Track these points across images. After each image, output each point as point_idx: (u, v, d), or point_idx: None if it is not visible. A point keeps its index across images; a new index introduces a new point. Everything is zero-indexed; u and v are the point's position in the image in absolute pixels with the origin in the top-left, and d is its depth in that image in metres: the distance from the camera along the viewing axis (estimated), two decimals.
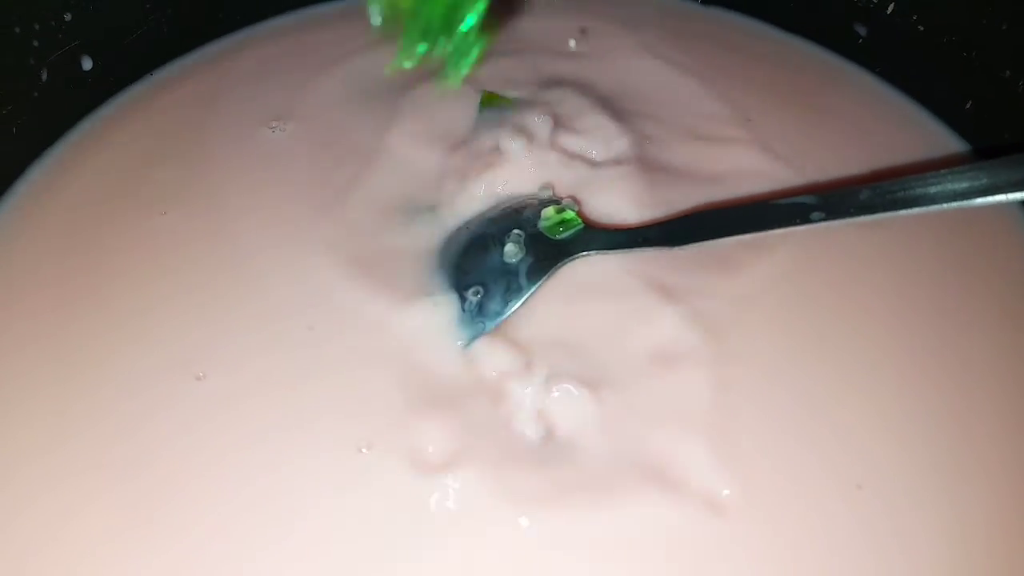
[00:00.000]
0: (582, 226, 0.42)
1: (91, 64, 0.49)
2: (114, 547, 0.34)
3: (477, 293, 0.40)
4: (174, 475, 0.35)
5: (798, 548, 0.34)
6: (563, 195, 0.44)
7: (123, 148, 0.49)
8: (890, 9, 0.51)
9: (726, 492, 0.35)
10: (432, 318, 0.40)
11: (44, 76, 0.47)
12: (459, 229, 0.43)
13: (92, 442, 0.36)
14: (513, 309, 0.40)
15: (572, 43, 0.55)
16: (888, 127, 0.50)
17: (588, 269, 0.41)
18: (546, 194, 0.44)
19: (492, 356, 0.38)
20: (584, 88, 0.50)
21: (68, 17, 0.47)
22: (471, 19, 0.37)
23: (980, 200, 0.33)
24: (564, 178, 0.45)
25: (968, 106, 0.49)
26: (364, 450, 0.36)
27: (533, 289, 0.40)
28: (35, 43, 0.46)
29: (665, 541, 0.34)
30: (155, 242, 0.44)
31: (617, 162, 0.46)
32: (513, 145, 0.44)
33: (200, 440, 0.36)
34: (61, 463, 0.36)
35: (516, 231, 0.41)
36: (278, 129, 0.49)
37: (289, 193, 0.46)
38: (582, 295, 0.40)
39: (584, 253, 0.41)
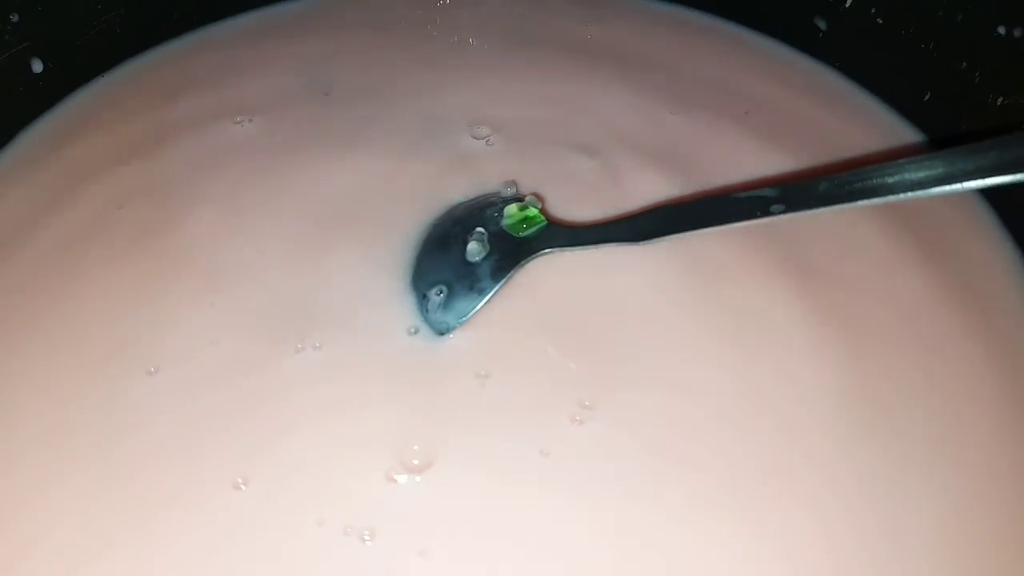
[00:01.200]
0: (545, 223, 0.41)
1: (41, 66, 0.48)
2: (110, 550, 0.33)
3: (440, 292, 0.40)
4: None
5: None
6: (526, 192, 0.43)
7: (79, 148, 0.48)
8: (849, 3, 0.52)
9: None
10: (395, 316, 0.39)
11: None
12: (424, 229, 0.43)
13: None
14: (477, 308, 0.39)
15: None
16: (847, 120, 0.50)
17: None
18: (509, 191, 0.43)
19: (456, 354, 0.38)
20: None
21: (15, 18, 0.46)
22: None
23: (937, 189, 0.33)
24: (527, 175, 0.45)
25: (927, 98, 0.49)
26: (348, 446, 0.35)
27: (497, 287, 0.40)
28: None
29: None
30: (110, 235, 0.43)
31: (580, 157, 0.46)
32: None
33: (155, 437, 0.36)
34: (45, 462, 0.35)
35: (479, 229, 0.41)
36: (243, 122, 0.48)
37: (250, 186, 0.45)
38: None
39: (548, 250, 0.41)
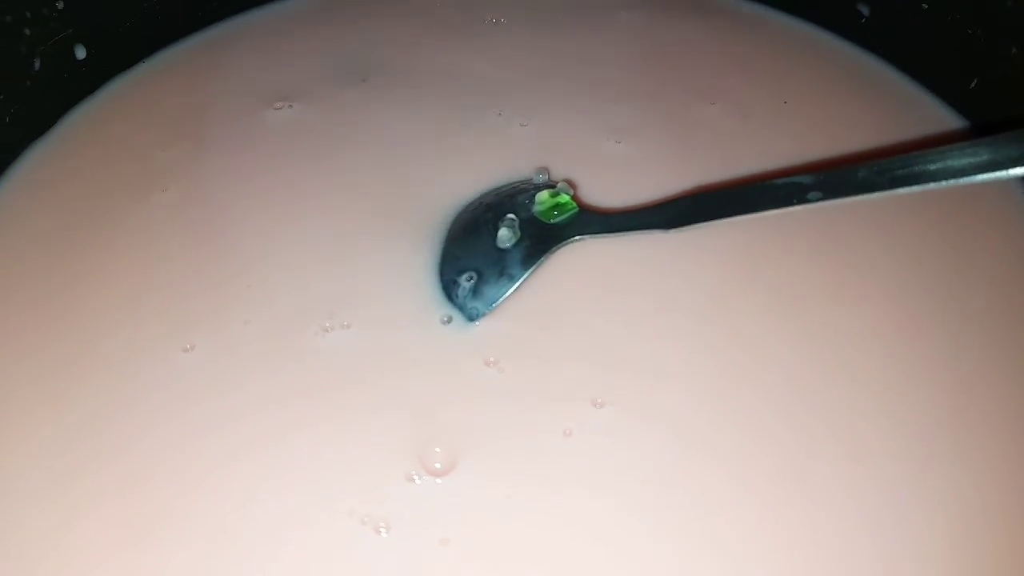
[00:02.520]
0: (577, 210, 0.41)
1: (85, 53, 0.49)
2: (117, 552, 0.33)
3: (471, 279, 0.39)
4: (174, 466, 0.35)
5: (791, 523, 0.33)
6: (558, 179, 0.43)
7: (122, 133, 0.48)
8: None
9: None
10: (425, 301, 0.39)
11: (37, 65, 0.47)
12: (456, 215, 0.43)
13: (86, 431, 0.36)
14: (507, 294, 0.39)
15: None
16: (890, 109, 0.49)
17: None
18: (541, 178, 0.43)
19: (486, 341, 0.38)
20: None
21: (60, 5, 0.47)
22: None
23: (980, 176, 0.32)
24: (560, 161, 0.44)
25: (973, 85, 0.48)
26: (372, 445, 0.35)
27: (527, 274, 0.40)
28: (27, 32, 0.45)
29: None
30: (153, 218, 0.43)
31: (615, 144, 0.46)
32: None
33: (189, 420, 0.36)
34: (60, 459, 0.35)
35: (510, 215, 0.41)
36: (284, 108, 0.49)
37: (288, 170, 0.46)
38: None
39: (579, 237, 0.41)
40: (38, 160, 0.47)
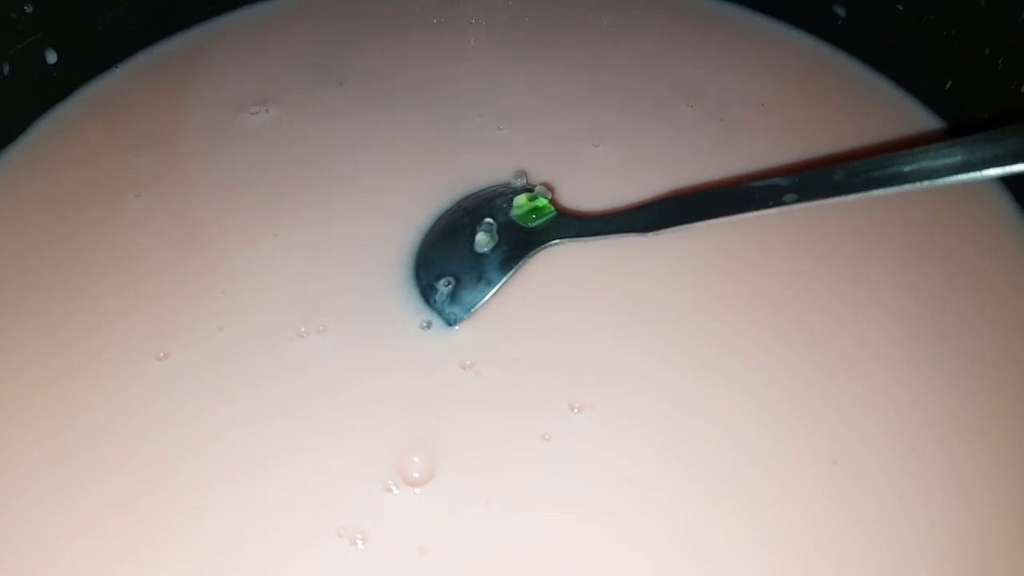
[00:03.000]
0: (555, 214, 0.41)
1: (56, 57, 0.48)
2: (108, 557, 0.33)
3: (449, 283, 0.39)
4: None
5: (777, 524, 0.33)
6: (536, 182, 0.43)
7: (94, 138, 0.48)
8: None
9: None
10: (402, 306, 0.39)
11: (6, 70, 0.46)
12: (434, 220, 0.42)
13: (55, 444, 0.35)
14: (485, 299, 0.39)
15: None
16: (867, 109, 0.50)
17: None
18: (519, 182, 0.43)
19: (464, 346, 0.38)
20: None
21: (29, 8, 0.46)
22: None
23: (955, 178, 0.32)
24: (538, 165, 0.44)
25: (948, 86, 0.48)
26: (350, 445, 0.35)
27: (505, 278, 0.39)
28: None
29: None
30: (126, 224, 0.43)
31: (593, 147, 0.46)
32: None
33: (164, 429, 0.35)
34: (51, 466, 0.35)
35: (487, 220, 0.41)
36: (260, 112, 0.48)
37: (264, 175, 0.45)
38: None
39: (557, 241, 0.40)
40: (7, 167, 0.46)
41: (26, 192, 0.45)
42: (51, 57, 0.48)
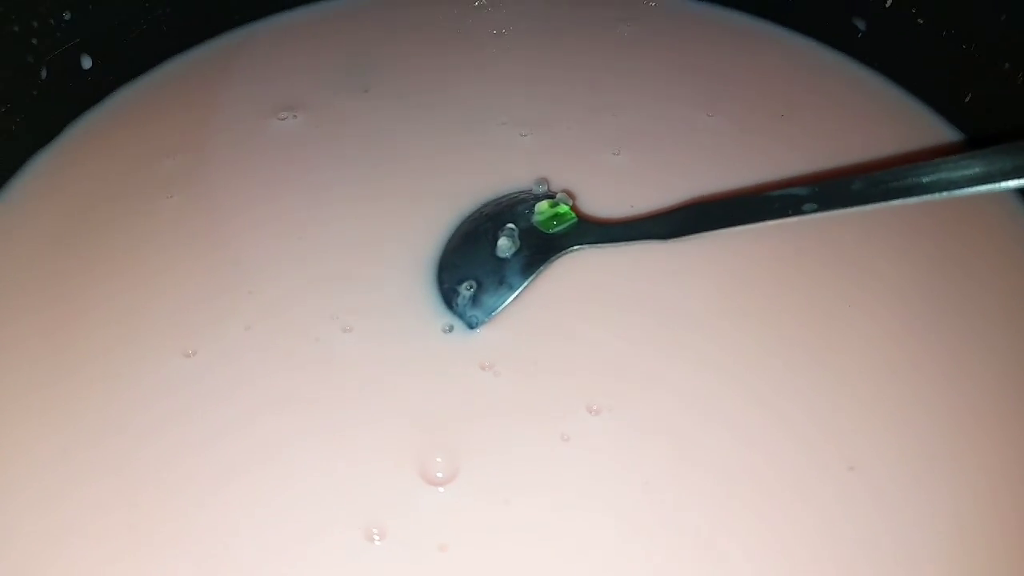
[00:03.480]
0: (576, 220, 0.42)
1: (91, 63, 0.50)
2: (117, 560, 0.33)
3: (470, 287, 0.40)
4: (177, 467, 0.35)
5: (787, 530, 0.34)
6: (557, 189, 0.44)
7: (127, 141, 0.49)
8: (889, 2, 0.51)
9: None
10: (426, 309, 0.40)
11: (43, 75, 0.47)
12: (456, 225, 0.43)
13: (89, 439, 0.36)
14: (506, 303, 0.39)
15: None
16: (886, 121, 0.50)
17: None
18: (540, 188, 0.44)
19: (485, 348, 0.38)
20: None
21: (67, 16, 0.47)
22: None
23: (973, 189, 0.32)
24: (560, 172, 0.45)
25: (967, 99, 0.48)
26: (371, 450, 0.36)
27: (526, 283, 0.40)
28: (33, 41, 0.46)
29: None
30: (158, 225, 0.44)
31: (614, 155, 0.46)
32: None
33: (192, 424, 0.36)
34: (62, 467, 0.35)
35: (509, 225, 0.41)
36: (288, 118, 0.49)
37: (292, 179, 0.46)
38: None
39: (577, 247, 0.41)
40: (44, 168, 0.47)
41: (59, 193, 0.46)
42: (86, 63, 0.49)
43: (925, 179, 0.33)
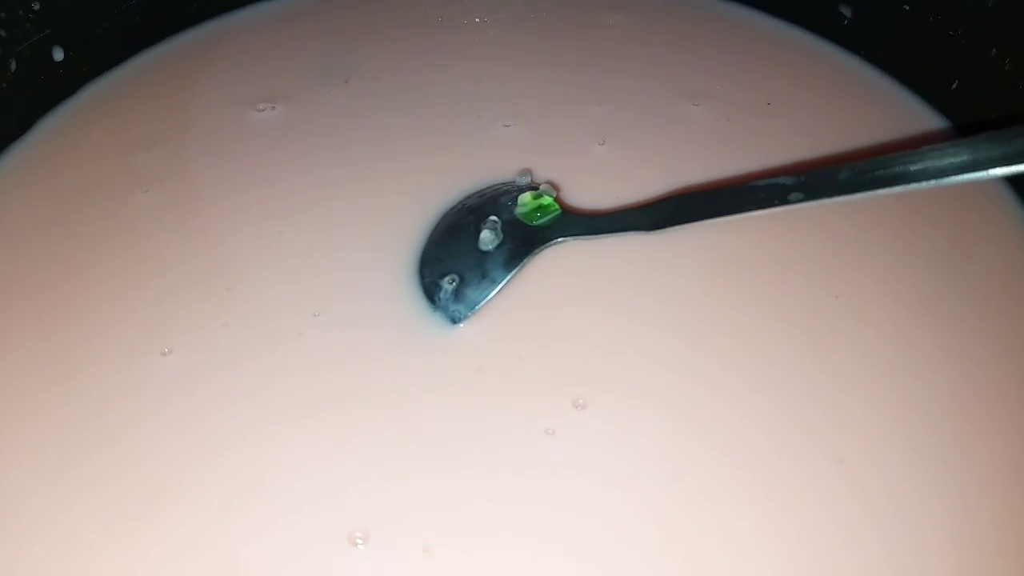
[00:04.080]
0: (559, 212, 0.41)
1: (62, 55, 0.49)
2: (106, 541, 0.33)
3: (453, 281, 0.39)
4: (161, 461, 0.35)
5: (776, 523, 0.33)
6: (541, 180, 0.43)
7: (101, 135, 0.48)
8: None
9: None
10: (406, 304, 0.39)
11: (13, 67, 0.46)
12: (438, 218, 0.42)
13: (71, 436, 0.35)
14: (489, 297, 0.39)
15: None
16: (873, 109, 0.49)
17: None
18: (524, 180, 0.43)
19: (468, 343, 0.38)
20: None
21: (36, 6, 0.46)
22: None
23: (961, 177, 0.32)
24: (543, 163, 0.44)
25: (954, 86, 0.48)
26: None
27: (510, 276, 0.39)
28: (2, 33, 0.45)
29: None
30: (134, 220, 0.43)
31: (598, 146, 0.46)
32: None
33: (164, 427, 0.35)
34: (46, 456, 0.35)
35: (492, 218, 0.41)
36: (267, 110, 0.48)
37: (270, 172, 0.45)
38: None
39: (561, 239, 0.40)
40: (15, 164, 0.47)
41: (32, 189, 0.45)
42: (58, 54, 0.48)
43: (912, 167, 0.33)
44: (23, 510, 0.33)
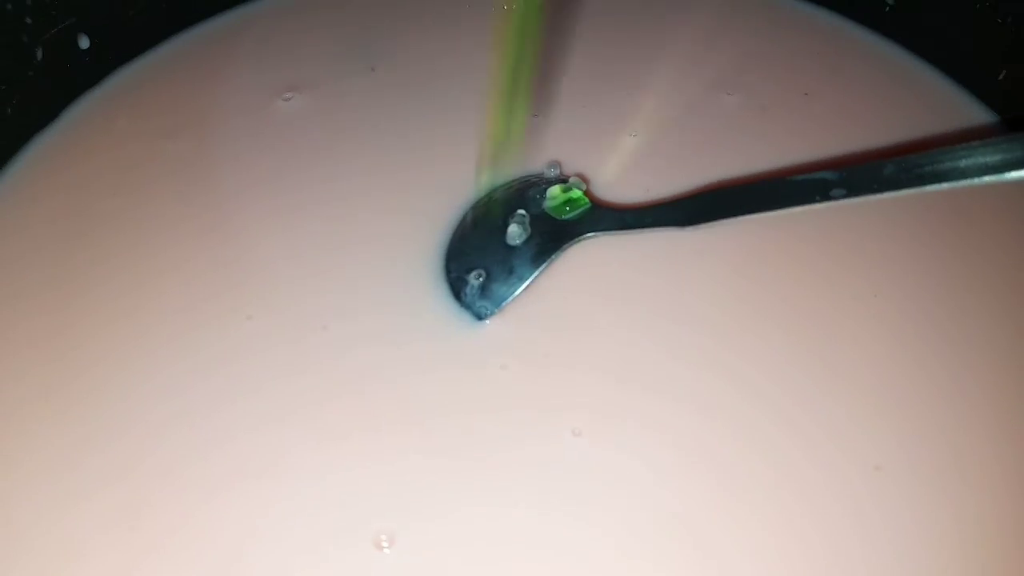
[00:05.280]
0: (589, 206, 0.40)
1: (88, 43, 0.48)
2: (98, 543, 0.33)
3: (479, 276, 0.38)
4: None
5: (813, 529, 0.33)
6: (570, 173, 0.42)
7: (127, 123, 0.48)
8: None
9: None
10: (435, 302, 0.39)
11: (39, 55, 0.46)
12: (465, 211, 0.42)
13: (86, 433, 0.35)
14: (517, 293, 0.38)
15: None
16: (915, 100, 0.48)
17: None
18: (553, 172, 0.42)
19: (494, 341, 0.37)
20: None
21: None
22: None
23: (1014, 174, 0.30)
24: (573, 155, 0.43)
25: (1001, 76, 0.46)
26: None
27: (537, 272, 0.39)
28: (28, 20, 0.44)
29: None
30: (159, 209, 0.43)
31: (630, 137, 0.45)
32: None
33: (192, 421, 0.35)
34: (55, 452, 0.35)
35: (520, 211, 0.40)
36: (293, 98, 0.48)
37: (297, 161, 0.45)
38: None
39: (591, 234, 0.40)
40: (41, 152, 0.46)
41: (58, 178, 0.45)
42: (83, 43, 0.48)
43: (962, 163, 0.32)
44: (31, 505, 0.33)
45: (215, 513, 0.33)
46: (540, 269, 0.38)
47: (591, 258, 0.40)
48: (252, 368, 0.37)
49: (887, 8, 0.51)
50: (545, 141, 0.45)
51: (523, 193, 0.41)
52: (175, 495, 0.33)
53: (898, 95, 0.49)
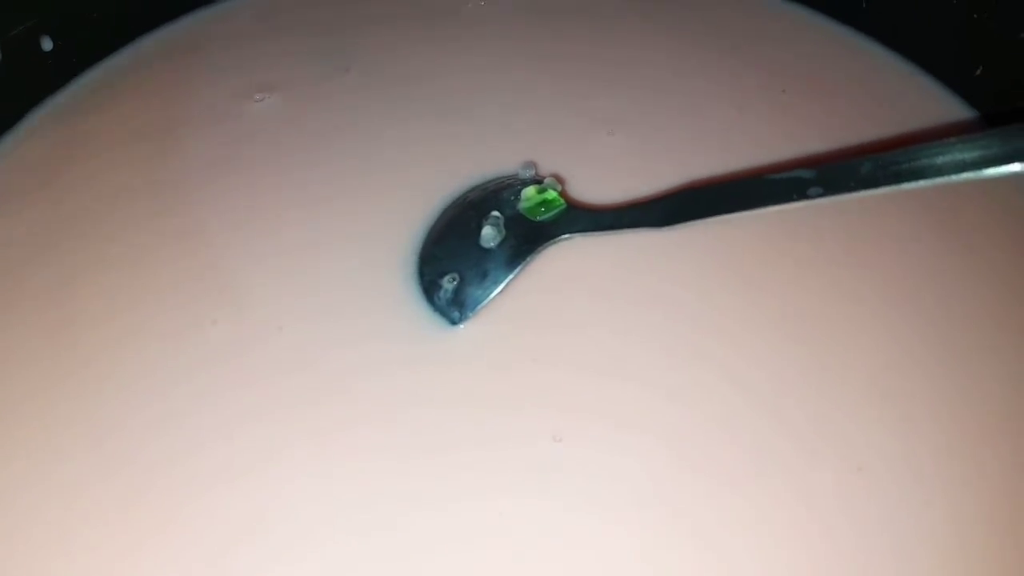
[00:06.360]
0: (565, 207, 0.40)
1: (51, 44, 0.47)
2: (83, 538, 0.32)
3: (453, 280, 0.38)
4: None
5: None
6: (546, 174, 0.41)
7: (93, 128, 0.47)
8: None
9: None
10: (407, 307, 0.38)
11: (0, 58, 0.45)
12: (438, 213, 0.41)
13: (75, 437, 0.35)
14: (491, 297, 0.38)
15: None
16: (894, 96, 0.47)
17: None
18: (528, 173, 0.41)
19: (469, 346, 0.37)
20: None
21: None
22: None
23: (992, 170, 0.30)
24: (547, 155, 0.43)
25: (978, 72, 0.46)
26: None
27: (512, 275, 0.38)
28: None
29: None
30: (126, 213, 0.42)
31: (606, 136, 0.44)
32: None
33: (166, 424, 0.35)
34: (52, 464, 0.34)
35: (494, 213, 0.39)
36: (264, 99, 0.47)
37: (268, 164, 0.44)
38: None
39: (567, 236, 0.39)
40: (4, 157, 0.45)
41: (23, 183, 0.44)
42: (46, 44, 0.47)
43: (939, 160, 0.31)
44: (19, 505, 0.33)
45: (204, 509, 0.33)
46: (515, 272, 0.38)
47: (567, 260, 0.39)
48: (217, 372, 0.36)
49: (863, 5, 0.51)
50: (520, 140, 0.44)
51: (498, 194, 0.40)
52: (164, 492, 0.33)
53: (876, 91, 0.48)
